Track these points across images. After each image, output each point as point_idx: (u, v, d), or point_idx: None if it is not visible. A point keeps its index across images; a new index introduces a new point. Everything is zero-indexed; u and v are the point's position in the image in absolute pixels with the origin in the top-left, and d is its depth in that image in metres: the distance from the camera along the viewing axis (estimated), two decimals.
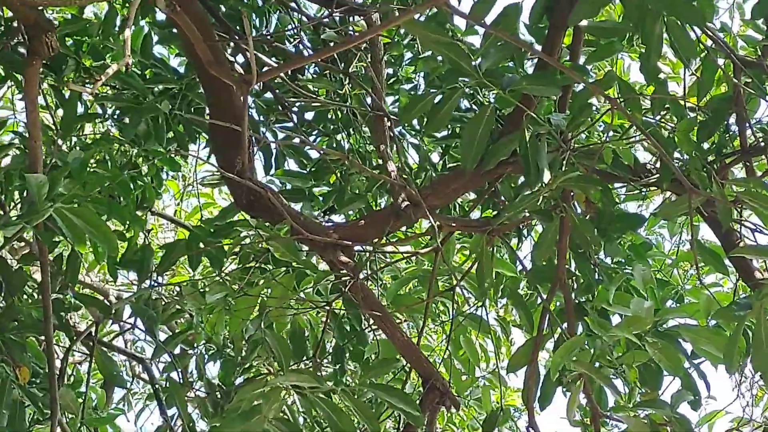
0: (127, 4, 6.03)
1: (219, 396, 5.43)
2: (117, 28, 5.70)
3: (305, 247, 4.98)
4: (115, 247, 4.39)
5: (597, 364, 4.40)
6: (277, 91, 6.02)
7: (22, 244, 6.41)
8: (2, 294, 4.98)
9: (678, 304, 5.20)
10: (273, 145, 5.96)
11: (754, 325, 4.00)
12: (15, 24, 5.34)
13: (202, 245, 5.29)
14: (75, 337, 5.75)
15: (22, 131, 5.77)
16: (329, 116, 6.30)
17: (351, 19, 5.92)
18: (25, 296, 5.28)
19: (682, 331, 4.41)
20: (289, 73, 5.94)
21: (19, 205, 5.45)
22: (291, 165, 6.08)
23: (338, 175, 5.93)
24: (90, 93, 4.95)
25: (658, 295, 4.96)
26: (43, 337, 5.08)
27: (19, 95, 6.46)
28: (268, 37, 6.03)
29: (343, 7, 5.64)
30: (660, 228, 7.03)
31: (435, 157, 6.28)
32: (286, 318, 5.28)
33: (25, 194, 5.28)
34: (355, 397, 4.42)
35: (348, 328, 5.54)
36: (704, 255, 4.89)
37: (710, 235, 5.16)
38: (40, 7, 4.26)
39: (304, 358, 5.38)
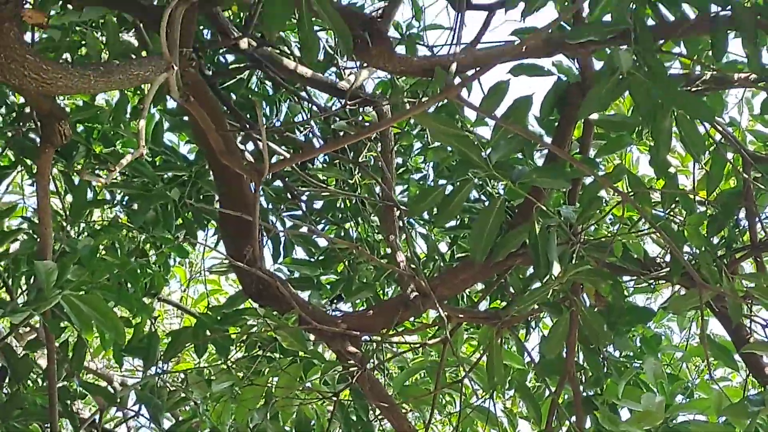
0: (138, 92, 6.07)
1: None
2: (128, 115, 5.74)
3: (313, 337, 4.97)
4: (123, 334, 4.37)
5: None
6: (287, 179, 6.04)
7: (28, 329, 6.39)
8: (7, 381, 4.96)
9: (688, 399, 5.16)
10: (281, 233, 5.97)
11: (765, 422, 3.97)
12: (27, 110, 5.38)
13: (208, 333, 5.26)
14: (79, 425, 5.70)
15: (31, 216, 5.79)
16: (338, 205, 6.31)
17: (362, 109, 5.96)
18: (30, 383, 5.25)
19: (692, 427, 4.38)
20: (299, 162, 5.97)
21: (26, 291, 5.45)
22: (299, 253, 6.09)
23: (346, 264, 5.93)
24: (104, 184, 4.97)
25: (668, 390, 4.93)
26: (47, 425, 5.04)
27: (29, 180, 6.49)
28: (279, 126, 6.07)
29: (355, 100, 5.68)
30: (669, 321, 7.00)
31: (443, 247, 6.28)
32: (292, 407, 5.24)
33: (32, 280, 5.28)
34: None
35: (354, 418, 5.50)
36: (714, 350, 4.86)
37: (719, 329, 5.14)
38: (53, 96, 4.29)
39: None
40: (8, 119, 5.50)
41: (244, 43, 5.58)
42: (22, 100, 5.41)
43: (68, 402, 5.18)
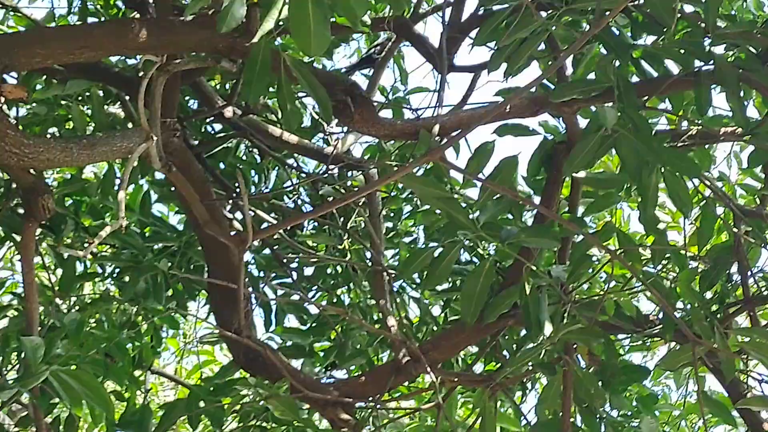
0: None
1: None
2: (116, 188, 5.72)
3: (306, 405, 4.92)
4: (112, 409, 4.32)
5: None
6: (276, 247, 6.01)
7: (20, 406, 6.33)
8: None
9: None
10: (273, 302, 5.93)
11: None
12: (15, 185, 5.37)
13: (202, 404, 5.22)
14: None
15: (21, 292, 5.75)
16: (329, 271, 6.28)
17: (349, 173, 5.95)
18: None
19: None
20: (288, 228, 5.95)
21: (17, 367, 5.40)
22: (291, 321, 6.04)
23: (339, 330, 5.88)
24: (83, 257, 4.96)
25: None
26: None
27: (19, 256, 6.46)
28: (267, 193, 6.05)
29: (340, 164, 5.67)
30: (666, 379, 6.94)
31: (436, 310, 6.25)
32: None
33: (22, 356, 5.24)
34: None
35: None
36: (711, 406, 4.81)
37: (718, 386, 5.09)
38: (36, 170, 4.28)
39: None
40: None
41: (228, 112, 5.57)
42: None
43: None
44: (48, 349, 4.19)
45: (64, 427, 5.19)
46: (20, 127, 4.34)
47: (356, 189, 5.92)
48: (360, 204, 5.84)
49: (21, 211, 5.36)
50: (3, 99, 3.65)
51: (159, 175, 5.83)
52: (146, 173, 5.77)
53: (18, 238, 5.52)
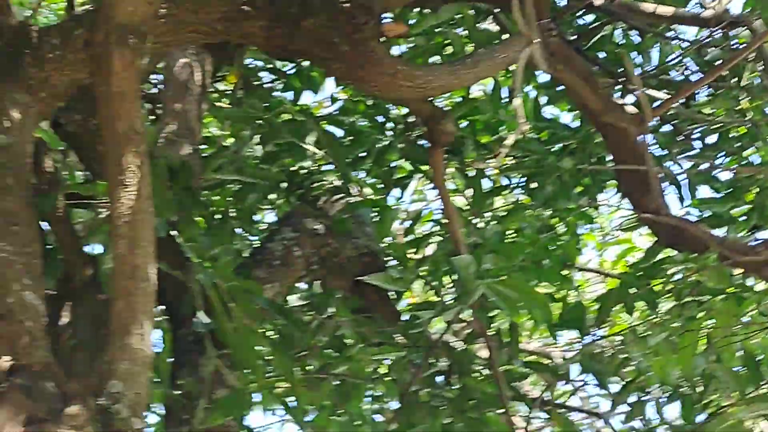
0: (509, 75, 6.16)
1: None
2: (505, 101, 5.83)
3: (738, 271, 4.87)
4: (549, 310, 4.43)
5: None
6: (674, 121, 5.94)
7: (463, 324, 6.62)
8: (453, 376, 5.13)
9: None
10: (682, 176, 5.87)
11: None
12: (410, 119, 5.59)
13: (633, 290, 5.26)
14: (532, 404, 5.81)
15: (440, 218, 5.99)
16: (731, 135, 6.13)
17: (732, 32, 5.78)
18: (475, 374, 5.41)
19: None
20: (683, 101, 5.86)
21: (451, 289, 5.63)
22: (704, 192, 5.96)
23: (755, 191, 5.75)
24: (494, 168, 5.09)
25: None
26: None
27: (429, 185, 6.70)
28: (653, 70, 5.97)
29: (721, 24, 5.51)
30: None
31: None
32: (734, 346, 5.14)
33: (455, 277, 5.46)
34: None
35: None
36: None
37: None
38: (431, 99, 4.44)
39: (763, 383, 5.20)
40: (397, 132, 5.72)
41: (598, 0, 5.54)
42: (404, 110, 5.61)
43: (514, 384, 5.29)
44: (478, 265, 4.32)
45: (508, 335, 5.35)
46: None
47: (743, 45, 5.74)
48: (750, 60, 5.66)
49: (422, 143, 5.58)
50: (385, 38, 3.80)
51: (541, 79, 5.89)
52: (530, 80, 5.85)
53: (424, 168, 5.76)
